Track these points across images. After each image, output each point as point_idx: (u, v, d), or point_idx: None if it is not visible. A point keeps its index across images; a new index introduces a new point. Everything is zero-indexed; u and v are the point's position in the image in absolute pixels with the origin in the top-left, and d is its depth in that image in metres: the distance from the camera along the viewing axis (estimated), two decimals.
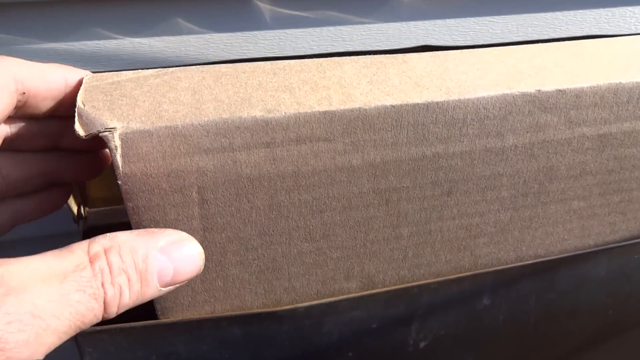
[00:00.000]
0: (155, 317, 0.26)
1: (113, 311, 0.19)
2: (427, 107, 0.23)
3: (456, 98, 0.23)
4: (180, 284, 0.21)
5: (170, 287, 0.21)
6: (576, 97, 0.24)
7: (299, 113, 0.21)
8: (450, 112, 0.23)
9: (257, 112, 0.21)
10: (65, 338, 0.18)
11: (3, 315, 0.16)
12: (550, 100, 0.24)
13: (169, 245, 0.20)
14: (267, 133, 0.21)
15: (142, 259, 0.19)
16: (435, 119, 0.23)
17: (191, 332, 0.26)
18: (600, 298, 0.33)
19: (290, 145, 0.22)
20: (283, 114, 0.21)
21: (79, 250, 0.18)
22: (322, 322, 0.27)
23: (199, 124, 0.20)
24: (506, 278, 0.30)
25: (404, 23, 0.32)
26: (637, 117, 0.26)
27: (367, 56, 0.25)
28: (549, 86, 0.24)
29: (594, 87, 0.24)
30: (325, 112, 0.22)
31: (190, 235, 0.22)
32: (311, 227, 0.25)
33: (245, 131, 0.21)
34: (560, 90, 0.24)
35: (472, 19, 0.33)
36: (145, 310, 0.26)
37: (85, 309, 0.17)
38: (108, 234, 0.19)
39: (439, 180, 0.25)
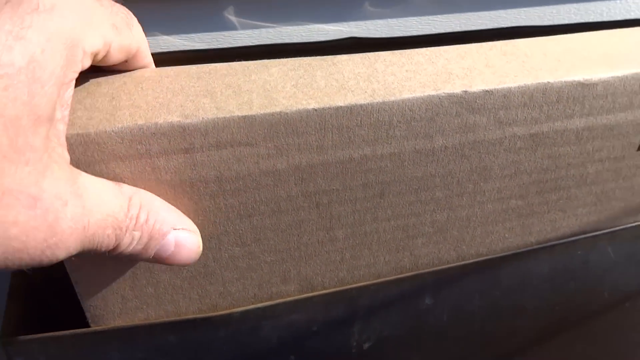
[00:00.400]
0: (87, 325, 0.25)
1: (114, 254, 0.20)
2: (351, 110, 0.22)
3: (381, 100, 0.23)
4: (166, 265, 0.23)
5: (157, 262, 0.22)
6: (504, 97, 0.24)
7: (218, 118, 0.21)
8: (375, 115, 0.23)
9: (174, 118, 0.21)
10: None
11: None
12: (477, 101, 0.24)
13: (182, 231, 0.22)
14: (185, 139, 0.21)
15: (159, 228, 0.21)
16: (360, 121, 0.23)
17: (125, 340, 0.26)
18: (545, 295, 0.33)
19: (211, 151, 0.22)
20: (201, 119, 0.21)
21: (126, 193, 0.20)
22: (260, 327, 0.27)
23: (112, 131, 0.20)
24: (447, 277, 0.30)
25: (343, 23, 0.31)
26: (568, 116, 0.26)
27: (296, 59, 0.25)
28: (476, 87, 0.24)
29: (522, 87, 0.24)
30: (245, 117, 0.21)
31: (198, 230, 0.23)
32: (241, 231, 0.24)
33: (162, 137, 0.21)
34: (487, 90, 0.24)
35: (414, 18, 0.33)
36: (78, 318, 0.26)
37: (106, 242, 0.20)
38: (149, 193, 0.22)
39: (369, 183, 0.25)
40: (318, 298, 0.28)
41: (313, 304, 0.28)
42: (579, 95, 0.25)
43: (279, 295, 0.27)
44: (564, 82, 0.25)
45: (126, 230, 0.20)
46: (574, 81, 0.25)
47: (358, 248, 0.27)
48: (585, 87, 0.25)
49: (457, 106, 0.24)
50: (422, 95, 0.23)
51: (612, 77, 0.25)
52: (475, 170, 0.26)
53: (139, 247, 0.21)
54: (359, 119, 0.23)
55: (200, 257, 0.25)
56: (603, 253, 0.33)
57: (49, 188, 0.17)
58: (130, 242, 0.20)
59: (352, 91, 0.23)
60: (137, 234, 0.20)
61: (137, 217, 0.20)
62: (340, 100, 0.22)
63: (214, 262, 0.25)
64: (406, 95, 0.23)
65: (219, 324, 0.26)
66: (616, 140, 0.28)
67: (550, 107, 0.25)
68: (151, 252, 0.21)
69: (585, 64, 0.26)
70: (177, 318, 0.26)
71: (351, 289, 0.28)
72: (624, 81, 0.26)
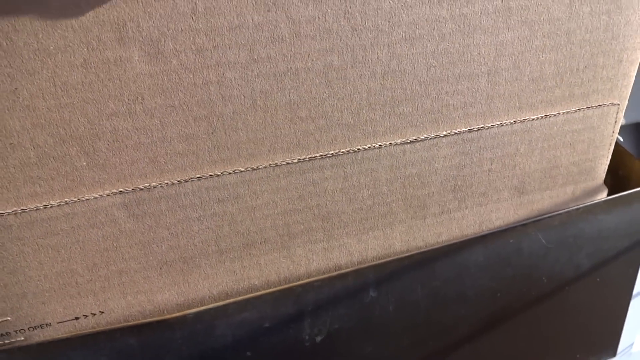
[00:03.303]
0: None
1: None
2: None
3: None
4: None
5: None
6: None
7: None
8: None
9: None
10: None
11: None
12: None
13: None
14: None
15: None
16: None
17: (87, 346, 0.28)
18: (484, 282, 0.36)
19: None
20: None
21: None
22: (214, 326, 0.30)
23: None
24: (387, 271, 0.32)
25: None
26: None
27: None
28: None
29: None
30: None
31: None
32: None
33: None
34: None
35: None
36: None
37: None
38: None
39: None
40: (266, 297, 0.30)
41: (261, 303, 0.30)
42: None
43: None
44: None
45: None
46: None
47: None
48: None
49: None
50: None
51: None
52: None
53: None
54: None
55: None
56: (535, 240, 0.36)
57: None
58: None
59: None
60: None
61: None
62: None
63: None
64: None
65: (174, 326, 0.29)
66: None
67: None
68: None
69: None
70: (135, 322, 0.28)
71: (296, 286, 0.30)
72: None
